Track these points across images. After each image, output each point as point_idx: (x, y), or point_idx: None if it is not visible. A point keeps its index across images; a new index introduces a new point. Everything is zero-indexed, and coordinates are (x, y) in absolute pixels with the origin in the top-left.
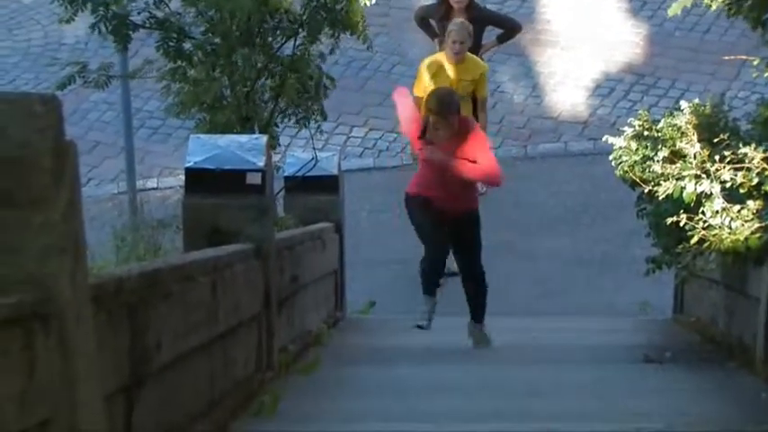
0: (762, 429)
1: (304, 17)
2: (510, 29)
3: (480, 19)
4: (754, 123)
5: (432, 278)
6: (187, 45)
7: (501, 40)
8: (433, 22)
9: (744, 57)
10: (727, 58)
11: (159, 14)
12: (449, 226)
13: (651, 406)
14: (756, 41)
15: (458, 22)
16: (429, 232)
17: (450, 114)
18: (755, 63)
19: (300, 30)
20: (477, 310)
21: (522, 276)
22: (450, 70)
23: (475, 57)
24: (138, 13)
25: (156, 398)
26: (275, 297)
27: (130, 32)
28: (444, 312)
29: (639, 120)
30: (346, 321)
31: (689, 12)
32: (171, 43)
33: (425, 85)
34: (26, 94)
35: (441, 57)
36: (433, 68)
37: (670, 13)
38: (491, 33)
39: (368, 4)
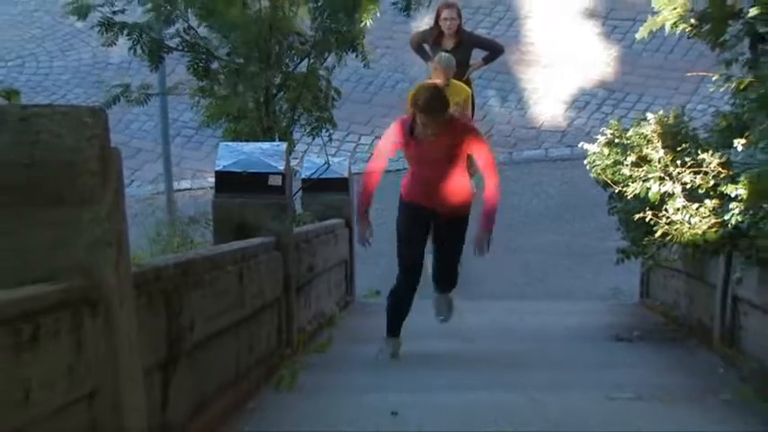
0: (719, 399)
1: (314, 38)
2: (494, 51)
3: (468, 42)
4: (712, 132)
5: (397, 315)
6: (214, 65)
7: (486, 60)
8: (426, 46)
9: (703, 73)
10: (689, 74)
11: (189, 38)
12: (437, 229)
13: (622, 378)
14: (713, 61)
15: (444, 57)
16: (408, 251)
17: (439, 112)
18: (715, 79)
19: (311, 50)
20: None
21: (509, 266)
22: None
23: (459, 83)
24: (172, 38)
25: (189, 372)
26: (294, 284)
27: (163, 54)
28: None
29: (611, 129)
30: (355, 305)
31: (655, 35)
32: (200, 64)
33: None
34: (77, 106)
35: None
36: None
37: (638, 36)
38: (477, 53)
39: (368, 24)
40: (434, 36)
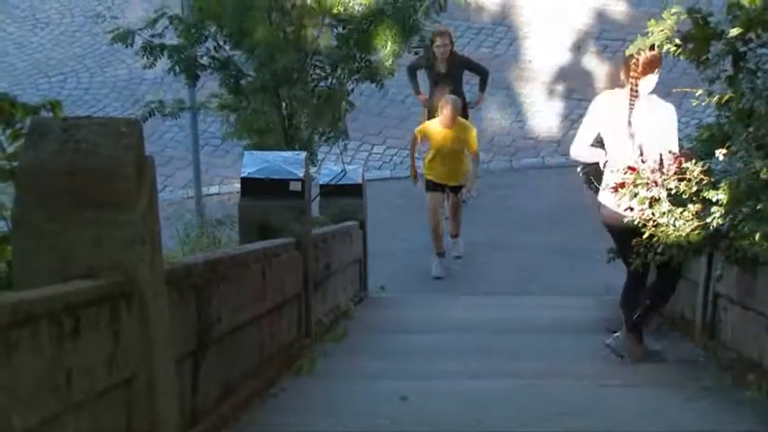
0: (700, 385)
1: (338, 62)
2: (481, 74)
3: (459, 64)
4: (696, 142)
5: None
6: (243, 81)
7: (482, 88)
8: (419, 72)
9: (688, 89)
10: (674, 90)
11: (219, 57)
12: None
13: (611, 367)
14: (695, 78)
15: (450, 98)
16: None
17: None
18: (698, 94)
19: (333, 72)
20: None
21: (508, 264)
22: (443, 133)
23: (464, 121)
24: (202, 56)
25: (217, 360)
26: (312, 280)
27: (198, 73)
28: (443, 294)
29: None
30: (368, 299)
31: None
32: (231, 80)
33: (419, 136)
34: (114, 118)
35: (435, 123)
36: (429, 130)
37: (627, 53)
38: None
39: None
40: (430, 61)
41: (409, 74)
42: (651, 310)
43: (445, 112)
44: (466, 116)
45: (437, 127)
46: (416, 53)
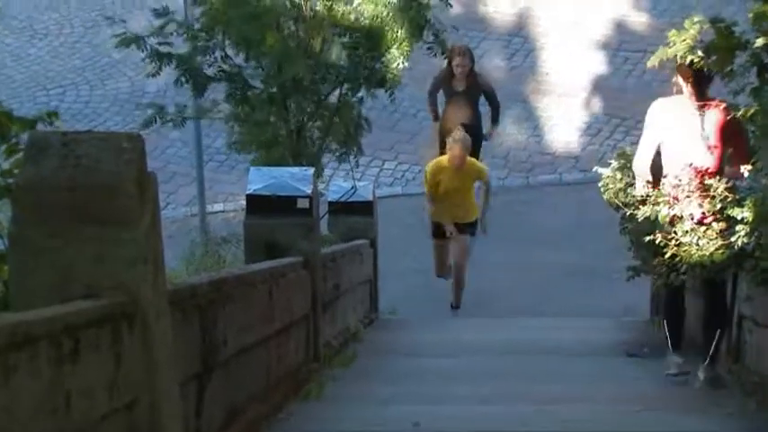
0: (724, 412)
1: (345, 72)
2: (495, 107)
3: (477, 86)
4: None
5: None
6: (250, 93)
7: (494, 121)
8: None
9: (710, 102)
10: (696, 104)
11: (226, 68)
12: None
13: (631, 391)
14: (718, 90)
15: (458, 137)
16: None
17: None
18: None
19: (344, 83)
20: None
21: (523, 284)
22: (452, 173)
23: (475, 161)
24: (209, 66)
25: (222, 383)
26: (321, 301)
27: (206, 83)
28: (457, 315)
29: (620, 156)
30: (379, 321)
31: (664, 65)
32: (238, 92)
33: (431, 184)
34: (115, 133)
35: (444, 161)
36: (437, 172)
37: (648, 64)
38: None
39: (405, 65)
40: (446, 77)
41: (429, 94)
42: (722, 335)
43: (455, 151)
44: (479, 145)
45: (446, 164)
46: (430, 48)
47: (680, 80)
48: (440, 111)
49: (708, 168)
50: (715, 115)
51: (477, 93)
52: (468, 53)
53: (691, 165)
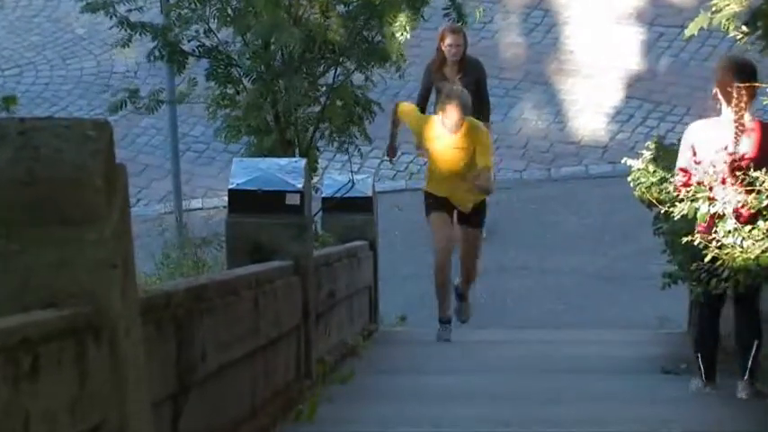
0: None
1: (346, 47)
2: (485, 102)
3: (473, 72)
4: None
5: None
6: (235, 71)
7: (486, 118)
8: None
9: (757, 84)
10: (738, 86)
11: (208, 43)
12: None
13: (668, 413)
14: (767, 71)
15: (454, 92)
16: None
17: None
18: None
19: (342, 59)
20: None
21: (546, 291)
22: (444, 140)
23: (474, 122)
24: (189, 41)
25: (201, 404)
26: (313, 311)
27: (184, 60)
28: (468, 326)
29: (652, 145)
30: (380, 333)
31: (703, 43)
32: (220, 70)
33: (412, 118)
34: (80, 119)
35: (434, 123)
36: (425, 126)
37: (687, 32)
38: None
39: (407, 36)
40: (437, 64)
41: (419, 98)
42: (759, 347)
43: (450, 111)
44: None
45: (436, 128)
46: (446, 14)
47: (721, 98)
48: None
49: (745, 154)
50: (752, 137)
51: (471, 79)
52: (462, 33)
53: (725, 148)
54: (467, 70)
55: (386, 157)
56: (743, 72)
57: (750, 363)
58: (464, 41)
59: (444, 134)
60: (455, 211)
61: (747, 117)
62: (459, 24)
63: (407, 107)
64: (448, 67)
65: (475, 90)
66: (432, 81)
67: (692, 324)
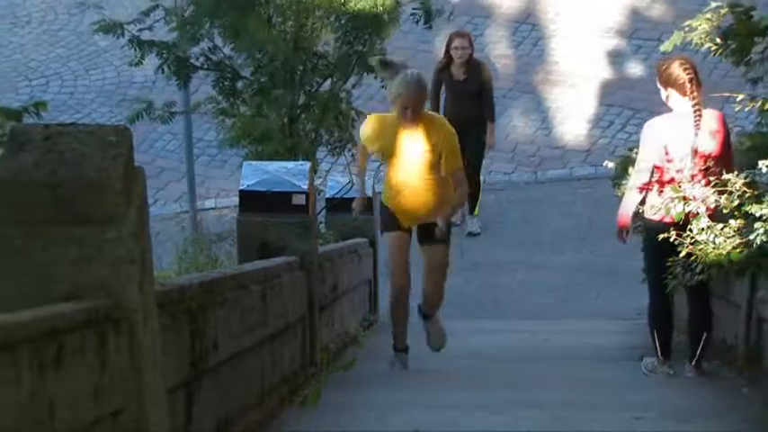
0: (743, 417)
1: (335, 60)
2: (490, 105)
3: (477, 75)
4: (736, 152)
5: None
6: (239, 84)
7: (491, 119)
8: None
9: (728, 93)
10: (714, 95)
11: (214, 58)
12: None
13: (646, 398)
14: (737, 81)
15: (410, 78)
16: None
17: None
18: (740, 99)
19: (335, 70)
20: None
21: (535, 286)
22: (402, 133)
23: (437, 117)
24: (197, 57)
25: (213, 391)
26: (317, 303)
27: (190, 73)
28: (462, 318)
29: (630, 152)
30: (379, 324)
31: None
32: (225, 83)
33: (372, 140)
34: (101, 125)
35: (390, 118)
36: (382, 127)
37: (662, 48)
38: None
39: (392, 43)
40: (444, 65)
41: (430, 96)
42: (708, 338)
43: (404, 98)
44: (482, 146)
45: (391, 124)
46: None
47: (674, 94)
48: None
49: (712, 153)
50: (710, 125)
51: (478, 83)
52: (468, 37)
53: (695, 150)
54: (472, 72)
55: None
56: (687, 64)
57: (699, 350)
58: (470, 45)
59: (402, 129)
60: (415, 229)
61: (709, 110)
62: (465, 30)
63: (364, 133)
64: (456, 69)
65: (479, 91)
66: (440, 80)
67: (648, 305)
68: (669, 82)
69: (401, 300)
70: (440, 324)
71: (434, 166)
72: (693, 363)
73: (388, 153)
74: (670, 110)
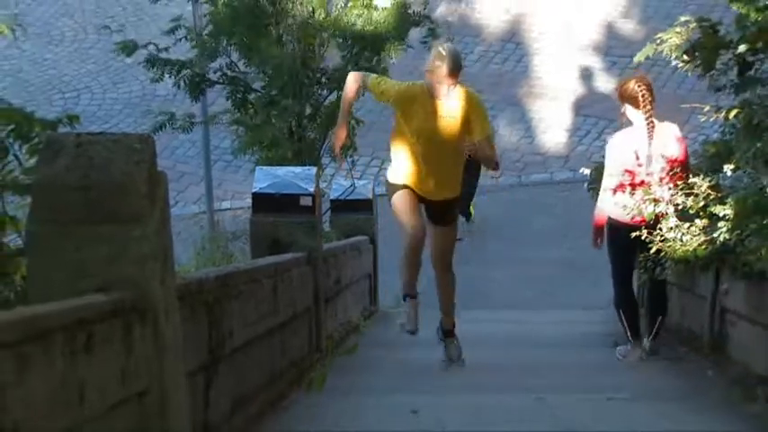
0: (708, 400)
1: (339, 76)
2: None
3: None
4: (702, 158)
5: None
6: (251, 96)
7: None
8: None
9: (695, 104)
10: (682, 106)
11: (230, 73)
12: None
13: (619, 380)
14: (703, 94)
15: (448, 50)
16: None
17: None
18: (706, 109)
19: (339, 86)
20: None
21: (519, 279)
22: (431, 105)
23: (465, 86)
24: (215, 72)
25: (228, 375)
26: (322, 295)
27: (204, 87)
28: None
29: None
30: (379, 314)
31: (649, 69)
32: (238, 95)
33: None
34: (127, 134)
35: (418, 89)
36: (412, 96)
37: (635, 59)
38: None
39: (393, 61)
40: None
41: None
42: (663, 320)
43: (439, 69)
44: (477, 175)
45: (419, 94)
46: (425, 42)
47: (629, 108)
48: None
49: (677, 158)
50: (664, 135)
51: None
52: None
53: (662, 156)
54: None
55: (338, 162)
56: (642, 82)
57: (655, 330)
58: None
59: (434, 100)
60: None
61: (667, 124)
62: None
63: (378, 79)
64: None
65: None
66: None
67: (614, 294)
68: (625, 97)
69: (415, 244)
70: (458, 343)
71: (463, 138)
72: (651, 337)
73: (416, 124)
74: (630, 123)
